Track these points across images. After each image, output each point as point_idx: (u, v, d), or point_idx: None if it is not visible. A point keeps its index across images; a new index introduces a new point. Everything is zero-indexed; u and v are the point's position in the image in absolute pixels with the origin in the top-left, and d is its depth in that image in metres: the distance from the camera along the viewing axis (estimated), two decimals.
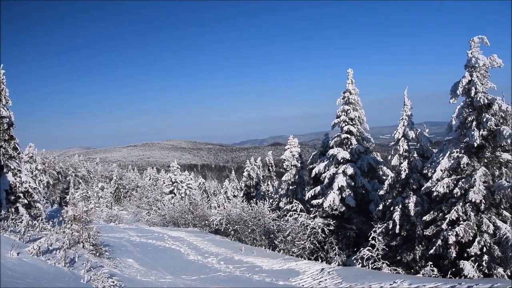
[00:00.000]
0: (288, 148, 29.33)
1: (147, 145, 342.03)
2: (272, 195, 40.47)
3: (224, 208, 25.87)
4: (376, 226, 18.15)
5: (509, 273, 13.96)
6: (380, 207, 19.14)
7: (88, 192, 52.59)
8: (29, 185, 20.76)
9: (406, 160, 18.51)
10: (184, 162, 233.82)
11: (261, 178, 48.49)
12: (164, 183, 50.87)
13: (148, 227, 29.88)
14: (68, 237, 12.10)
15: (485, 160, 15.43)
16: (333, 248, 20.49)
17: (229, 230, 23.94)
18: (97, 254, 13.34)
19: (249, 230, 22.52)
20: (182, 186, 47.31)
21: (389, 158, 19.84)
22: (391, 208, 18.45)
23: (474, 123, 15.29)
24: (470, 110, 15.68)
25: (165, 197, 45.56)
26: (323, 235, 20.81)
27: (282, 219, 22.15)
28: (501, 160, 15.13)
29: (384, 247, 17.41)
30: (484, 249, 14.60)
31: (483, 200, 14.69)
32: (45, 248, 10.01)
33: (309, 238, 20.50)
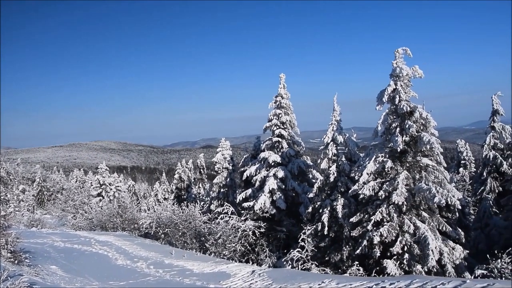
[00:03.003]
0: (220, 150, 29.31)
1: (73, 146, 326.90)
2: (204, 197, 40.31)
3: (154, 211, 25.34)
4: (305, 228, 18.62)
5: (426, 270, 14.86)
6: (310, 209, 19.61)
7: (7, 195, 49.25)
8: None
9: (335, 164, 19.10)
10: (113, 163, 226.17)
11: (193, 180, 48.09)
12: (92, 185, 48.85)
13: (73, 232, 28.59)
14: None
15: (407, 164, 16.34)
16: (264, 250, 20.73)
17: (159, 233, 23.48)
18: (16, 261, 12.57)
19: (180, 233, 22.21)
20: (111, 189, 45.69)
21: (318, 161, 20.26)
22: (320, 210, 18.95)
23: (398, 129, 16.12)
24: (395, 117, 16.53)
25: (93, 200, 43.76)
26: (254, 238, 20.99)
27: (213, 222, 22.07)
28: (421, 164, 16.11)
29: (313, 248, 17.88)
30: (405, 248, 15.45)
31: (405, 202, 15.55)
32: None
33: (240, 241, 20.58)
